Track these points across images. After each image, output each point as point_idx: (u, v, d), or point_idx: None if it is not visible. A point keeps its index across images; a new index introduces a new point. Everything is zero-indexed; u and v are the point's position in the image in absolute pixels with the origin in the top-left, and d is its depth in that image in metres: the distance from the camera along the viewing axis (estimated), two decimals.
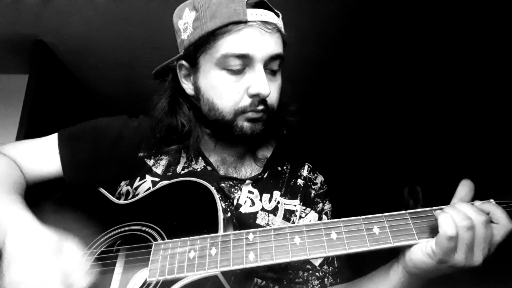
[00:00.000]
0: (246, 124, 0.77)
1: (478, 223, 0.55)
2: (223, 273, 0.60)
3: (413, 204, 3.53)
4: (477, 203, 0.60)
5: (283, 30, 0.80)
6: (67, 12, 2.03)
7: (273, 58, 0.76)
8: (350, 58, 2.51)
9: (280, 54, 0.77)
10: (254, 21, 0.74)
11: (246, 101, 0.75)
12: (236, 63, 0.74)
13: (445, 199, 0.63)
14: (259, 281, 0.77)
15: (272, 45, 0.75)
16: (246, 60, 0.74)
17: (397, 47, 2.38)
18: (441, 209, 0.59)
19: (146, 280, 0.62)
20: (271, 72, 0.78)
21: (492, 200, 0.59)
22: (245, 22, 0.73)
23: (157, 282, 0.61)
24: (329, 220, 0.60)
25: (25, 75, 2.30)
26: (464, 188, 0.61)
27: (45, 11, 2.02)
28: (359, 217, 0.59)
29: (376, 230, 0.58)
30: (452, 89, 2.75)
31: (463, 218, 0.55)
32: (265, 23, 0.75)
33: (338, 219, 0.60)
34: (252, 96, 0.75)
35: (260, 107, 0.76)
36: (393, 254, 0.64)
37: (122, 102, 2.85)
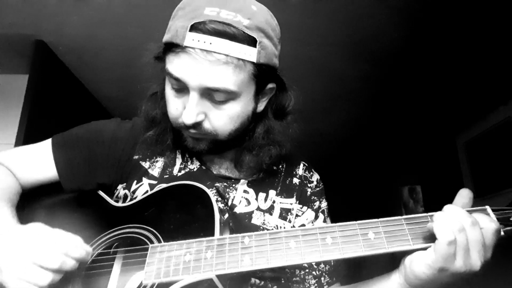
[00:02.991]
0: (189, 139, 0.77)
1: (466, 225, 0.55)
2: (218, 276, 0.60)
3: (413, 204, 3.53)
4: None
5: (250, 58, 0.70)
6: (67, 12, 2.04)
7: (210, 89, 0.70)
8: (350, 58, 2.51)
9: (220, 89, 0.69)
10: (193, 48, 0.68)
11: (182, 121, 0.74)
12: (174, 83, 0.73)
13: (445, 199, 0.63)
14: (257, 281, 0.77)
15: (208, 77, 0.68)
16: (182, 83, 0.71)
17: (399, 47, 2.38)
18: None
19: (141, 282, 0.62)
20: (214, 101, 0.73)
21: (487, 207, 0.59)
22: (183, 47, 0.68)
23: (153, 285, 0.62)
24: (325, 225, 0.60)
25: (25, 75, 2.31)
26: (462, 199, 0.61)
27: (45, 11, 2.02)
28: (354, 222, 0.59)
29: (371, 235, 0.58)
30: (453, 88, 2.75)
31: (455, 221, 0.55)
32: (207, 52, 0.67)
33: (334, 224, 0.60)
34: None
35: (192, 131, 0.75)
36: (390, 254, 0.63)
37: (122, 102, 2.85)
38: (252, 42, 0.70)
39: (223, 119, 0.74)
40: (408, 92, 2.89)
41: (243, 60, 0.70)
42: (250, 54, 0.70)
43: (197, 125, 0.74)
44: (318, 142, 3.64)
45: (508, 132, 2.37)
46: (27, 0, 1.94)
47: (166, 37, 0.73)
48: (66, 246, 0.61)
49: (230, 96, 0.72)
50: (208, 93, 0.71)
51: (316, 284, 0.81)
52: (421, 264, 0.57)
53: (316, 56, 2.47)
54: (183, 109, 0.73)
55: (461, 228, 0.55)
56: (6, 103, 2.40)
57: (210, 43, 0.67)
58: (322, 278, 0.81)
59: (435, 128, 3.11)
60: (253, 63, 0.71)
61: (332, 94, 2.95)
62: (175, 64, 0.70)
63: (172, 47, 0.70)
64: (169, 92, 0.76)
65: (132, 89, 2.69)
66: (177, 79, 0.71)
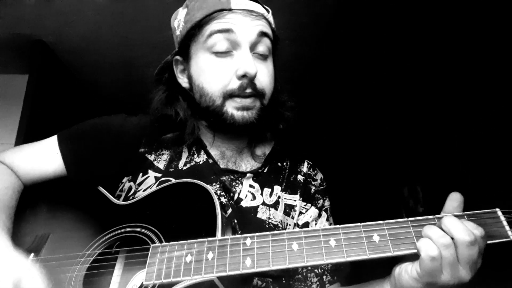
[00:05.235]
0: (236, 113, 0.78)
1: (461, 242, 0.53)
2: (219, 277, 0.59)
3: (413, 204, 3.52)
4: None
5: (272, 23, 0.85)
6: (67, 12, 2.03)
7: (259, 36, 0.78)
8: (349, 57, 2.51)
9: (266, 33, 0.80)
10: (238, 9, 0.78)
11: (235, 84, 0.76)
12: (222, 44, 0.77)
13: (445, 199, 0.62)
14: (259, 282, 0.77)
15: (255, 25, 0.79)
16: (231, 40, 0.77)
17: (397, 46, 2.38)
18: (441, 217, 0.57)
19: (143, 283, 0.62)
20: (260, 57, 0.80)
21: (497, 210, 0.58)
22: (229, 9, 0.77)
23: (154, 286, 0.61)
24: (328, 227, 0.59)
25: (25, 75, 2.30)
26: (452, 202, 0.59)
27: (45, 11, 2.02)
28: (359, 224, 0.58)
29: (376, 238, 0.57)
30: (453, 88, 2.75)
31: (441, 236, 0.54)
32: (249, 11, 0.79)
33: (338, 226, 0.59)
34: (240, 77, 0.76)
35: (249, 90, 0.77)
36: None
37: (122, 102, 2.85)
38: (267, 11, 0.84)
39: (267, 77, 0.81)
40: (408, 92, 2.89)
41: (269, 23, 0.83)
42: (270, 19, 0.85)
43: (253, 84, 0.77)
44: (318, 142, 3.64)
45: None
46: (27, 0, 1.94)
47: (205, 11, 0.78)
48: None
49: (269, 50, 0.82)
50: (254, 47, 0.79)
51: (318, 283, 0.81)
52: (407, 277, 0.56)
53: (312, 55, 2.47)
54: (233, 74, 0.76)
55: (449, 244, 0.53)
56: (6, 103, 2.39)
57: (250, 5, 0.80)
58: (324, 277, 0.81)
59: (435, 128, 3.11)
60: (272, 27, 0.84)
61: (329, 93, 2.95)
62: (223, 22, 0.77)
63: (213, 15, 0.77)
64: (214, 62, 0.78)
65: (132, 89, 2.70)
66: (225, 31, 0.77)
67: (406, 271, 0.57)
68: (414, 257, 0.57)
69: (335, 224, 0.64)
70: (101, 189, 0.83)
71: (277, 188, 0.86)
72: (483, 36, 2.20)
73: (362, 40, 2.31)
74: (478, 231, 0.54)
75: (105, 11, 2.04)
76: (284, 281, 0.81)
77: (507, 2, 1.90)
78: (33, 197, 0.83)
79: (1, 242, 0.64)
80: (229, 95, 0.77)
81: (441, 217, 0.57)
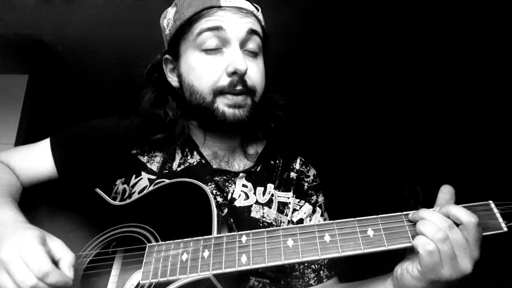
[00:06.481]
0: (228, 110, 0.77)
1: (472, 225, 0.53)
2: (216, 275, 0.59)
3: (413, 204, 3.52)
4: (442, 208, 0.57)
5: (262, 21, 0.85)
6: (67, 12, 2.04)
7: (249, 33, 0.78)
8: (348, 55, 2.50)
9: (256, 30, 0.80)
10: (227, 6, 0.78)
11: (225, 81, 0.76)
12: (211, 41, 0.77)
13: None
14: (256, 283, 0.77)
15: (245, 22, 0.79)
16: (221, 38, 0.77)
17: (397, 44, 2.37)
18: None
19: (139, 282, 0.62)
20: (250, 54, 0.80)
21: (490, 202, 0.58)
22: (218, 6, 0.77)
23: (150, 285, 0.61)
24: (323, 222, 0.60)
25: (25, 75, 2.31)
26: (444, 195, 0.59)
27: (45, 11, 2.02)
28: (353, 219, 0.58)
29: (370, 232, 0.57)
30: (453, 88, 2.74)
31: (436, 231, 0.53)
32: (238, 8, 0.79)
33: (332, 221, 0.59)
34: (230, 74, 0.76)
35: (239, 87, 0.76)
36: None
37: (122, 102, 2.85)
38: (256, 9, 0.84)
39: (258, 74, 0.81)
40: (408, 92, 2.89)
41: (259, 21, 0.83)
42: (260, 17, 0.84)
43: (243, 80, 0.77)
44: (318, 142, 3.64)
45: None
46: (27, 0, 1.94)
47: (194, 8, 0.78)
48: (44, 269, 0.58)
49: (259, 47, 0.82)
50: (244, 44, 0.79)
51: (315, 278, 0.81)
52: (410, 278, 0.56)
53: (310, 53, 2.46)
54: (223, 71, 0.76)
55: (444, 237, 0.53)
56: (6, 103, 2.40)
57: (239, 2, 0.80)
58: (321, 272, 0.82)
59: (435, 128, 3.10)
60: (261, 25, 0.84)
61: (328, 93, 2.95)
62: (212, 20, 0.77)
63: (203, 12, 0.78)
64: (203, 60, 0.78)
65: (132, 88, 2.69)
66: (215, 28, 0.76)
67: (407, 272, 0.57)
68: (414, 255, 0.57)
69: None
70: (98, 190, 0.83)
71: (270, 186, 0.86)
72: (483, 36, 2.19)
73: (362, 37, 2.31)
74: (473, 218, 0.54)
75: (105, 11, 2.04)
76: (282, 282, 0.81)
77: (507, 2, 1.89)
78: (30, 199, 0.83)
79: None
80: (219, 92, 0.77)
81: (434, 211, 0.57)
